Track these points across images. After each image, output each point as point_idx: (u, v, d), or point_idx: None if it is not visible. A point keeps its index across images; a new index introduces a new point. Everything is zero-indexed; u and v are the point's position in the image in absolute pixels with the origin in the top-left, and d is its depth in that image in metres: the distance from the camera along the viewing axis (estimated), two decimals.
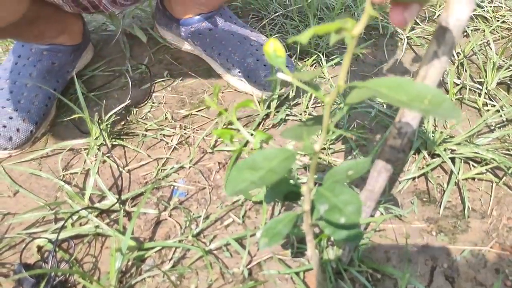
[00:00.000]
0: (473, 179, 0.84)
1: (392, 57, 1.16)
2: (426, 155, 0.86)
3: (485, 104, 1.03)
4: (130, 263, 0.69)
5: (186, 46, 1.12)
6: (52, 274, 0.64)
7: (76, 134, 0.91)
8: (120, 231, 0.71)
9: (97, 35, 1.19)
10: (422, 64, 0.44)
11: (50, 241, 0.71)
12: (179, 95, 1.01)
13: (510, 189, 0.83)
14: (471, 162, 0.86)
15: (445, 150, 0.86)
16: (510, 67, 1.09)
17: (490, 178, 0.84)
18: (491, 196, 0.82)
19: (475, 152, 0.84)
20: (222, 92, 1.02)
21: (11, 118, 0.87)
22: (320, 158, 0.85)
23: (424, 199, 0.81)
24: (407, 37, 1.21)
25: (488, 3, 1.36)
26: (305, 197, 0.46)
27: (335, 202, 0.39)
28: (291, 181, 0.47)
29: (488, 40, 1.20)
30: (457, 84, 1.07)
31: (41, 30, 0.89)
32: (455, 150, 0.86)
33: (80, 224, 0.74)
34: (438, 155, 0.86)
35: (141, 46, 1.14)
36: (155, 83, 1.03)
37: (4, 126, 0.85)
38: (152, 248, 0.70)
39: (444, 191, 0.82)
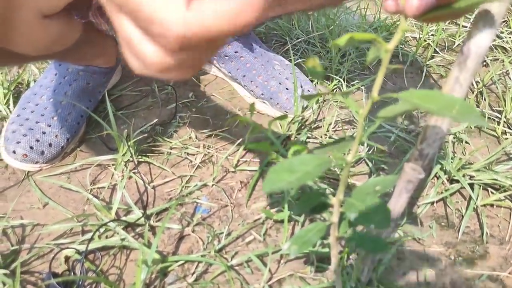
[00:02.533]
0: (492, 205, 0.85)
1: (411, 85, 1.18)
2: (445, 180, 0.88)
3: (504, 133, 1.04)
4: (154, 275, 0.71)
5: (212, 69, 1.16)
6: (80, 282, 0.67)
7: (103, 150, 0.94)
8: (145, 244, 0.74)
9: None
10: (443, 89, 0.46)
11: (77, 251, 0.73)
12: (203, 115, 1.04)
13: None
14: (489, 189, 0.87)
15: (464, 176, 0.87)
16: None
17: (509, 205, 0.85)
18: (509, 222, 0.83)
19: (494, 179, 0.85)
20: (245, 114, 1.05)
21: (44, 133, 0.90)
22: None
23: (443, 224, 0.82)
24: (427, 65, 1.24)
25: (508, 34, 1.38)
26: (334, 209, 0.48)
27: (365, 211, 0.41)
28: (321, 192, 0.49)
29: (508, 70, 1.22)
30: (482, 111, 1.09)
31: (83, 54, 0.94)
32: (474, 176, 0.87)
33: (107, 237, 0.76)
34: (457, 181, 0.88)
35: None
36: (180, 103, 1.07)
37: (37, 141, 0.89)
38: (176, 261, 0.72)
39: (463, 216, 0.83)
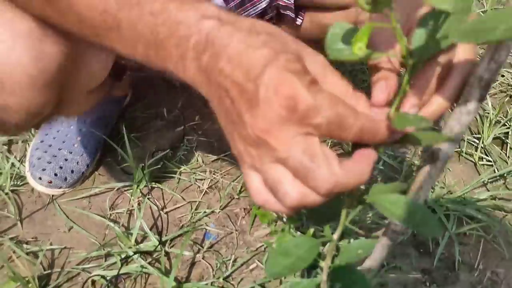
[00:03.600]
0: (465, 234, 0.97)
1: None
2: None
3: (481, 159, 1.15)
4: None
5: None
6: None
7: (119, 173, 1.04)
8: (162, 271, 0.85)
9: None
10: (415, 181, 0.57)
11: (103, 277, 0.84)
12: (209, 139, 1.14)
13: (496, 245, 0.95)
14: (464, 218, 0.99)
15: (441, 206, 0.98)
16: (506, 123, 1.22)
17: (480, 234, 0.96)
18: (479, 250, 0.94)
19: (467, 212, 0.96)
20: None
21: (66, 160, 1.00)
22: None
23: (421, 250, 0.94)
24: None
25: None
26: (324, 270, 0.58)
27: (348, 283, 0.52)
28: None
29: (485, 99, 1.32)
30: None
31: (103, 85, 1.02)
32: (449, 207, 0.98)
33: (127, 263, 0.87)
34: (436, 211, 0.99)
35: (174, 88, 1.26)
36: (188, 126, 1.16)
37: (61, 167, 0.99)
38: (190, 287, 0.84)
39: (439, 244, 0.94)
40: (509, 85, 1.37)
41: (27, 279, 0.82)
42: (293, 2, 0.82)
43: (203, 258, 0.89)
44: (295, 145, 0.35)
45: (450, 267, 0.91)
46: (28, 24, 0.50)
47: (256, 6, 0.86)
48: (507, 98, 1.34)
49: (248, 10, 0.87)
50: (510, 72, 1.41)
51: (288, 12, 0.85)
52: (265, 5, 0.83)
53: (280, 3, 0.84)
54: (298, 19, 0.87)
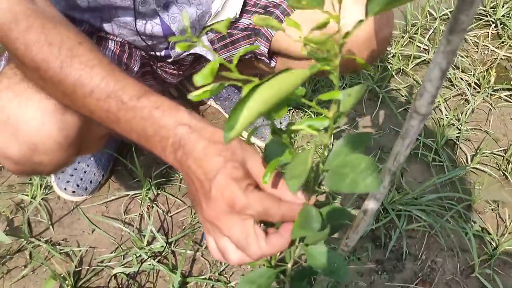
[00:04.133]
0: (413, 229, 1.20)
1: (369, 111, 1.48)
2: (381, 211, 1.21)
3: (434, 159, 1.36)
4: None
5: (210, 101, 1.44)
6: None
7: (130, 179, 1.25)
8: (169, 267, 1.07)
9: None
10: (352, 224, 0.78)
11: (123, 272, 1.07)
12: None
13: (438, 238, 1.18)
14: (414, 216, 1.21)
15: (394, 208, 1.21)
16: (459, 127, 1.42)
17: (425, 229, 1.19)
18: (423, 243, 1.18)
19: (416, 213, 1.19)
20: None
21: (85, 172, 1.20)
22: None
23: (377, 244, 1.17)
24: (383, 92, 1.53)
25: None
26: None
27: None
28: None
29: (439, 104, 1.52)
30: (417, 139, 1.40)
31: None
32: (401, 208, 1.21)
33: (141, 261, 1.09)
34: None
35: (176, 99, 1.45)
36: None
37: (81, 179, 1.19)
38: (192, 280, 1.07)
39: (391, 239, 1.17)
40: (464, 92, 1.57)
41: (62, 275, 1.05)
42: (267, 52, 1.00)
43: (201, 256, 1.12)
44: (235, 227, 0.53)
45: (398, 258, 1.15)
46: (53, 103, 0.70)
47: (237, 49, 1.05)
48: (462, 101, 1.54)
49: (231, 51, 1.06)
50: (466, 77, 1.60)
51: (263, 58, 1.03)
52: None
53: (256, 51, 1.02)
54: (272, 61, 1.05)
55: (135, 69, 0.96)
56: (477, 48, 1.73)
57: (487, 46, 1.74)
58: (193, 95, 0.44)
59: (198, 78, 0.41)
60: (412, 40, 1.76)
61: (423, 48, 1.74)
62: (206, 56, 1.01)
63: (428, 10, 1.87)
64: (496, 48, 1.73)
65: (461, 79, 1.60)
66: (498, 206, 1.27)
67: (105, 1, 0.83)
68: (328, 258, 0.61)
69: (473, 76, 1.61)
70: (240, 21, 1.00)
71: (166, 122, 0.55)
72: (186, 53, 1.01)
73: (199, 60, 1.09)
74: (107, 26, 0.91)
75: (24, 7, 0.64)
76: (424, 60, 1.67)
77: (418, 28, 1.77)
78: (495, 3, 1.87)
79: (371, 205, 0.60)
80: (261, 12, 0.97)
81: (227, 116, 1.42)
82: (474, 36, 1.78)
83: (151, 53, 1.00)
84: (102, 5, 0.84)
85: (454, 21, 0.31)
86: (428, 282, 1.11)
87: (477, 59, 1.69)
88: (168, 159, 0.56)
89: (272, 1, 0.97)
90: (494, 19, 1.82)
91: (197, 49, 0.99)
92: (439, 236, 1.18)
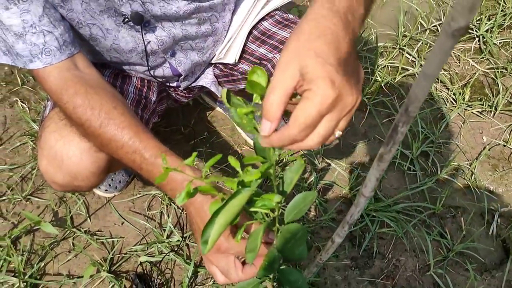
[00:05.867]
0: (384, 232, 1.46)
1: (357, 121, 1.71)
2: (360, 217, 1.47)
3: (409, 169, 1.61)
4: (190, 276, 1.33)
5: (217, 108, 1.67)
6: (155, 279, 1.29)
7: None
8: (184, 258, 1.34)
9: None
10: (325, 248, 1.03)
11: (147, 261, 1.34)
12: (214, 150, 1.58)
13: (403, 240, 1.45)
14: (386, 221, 1.47)
15: (369, 214, 1.46)
16: (433, 140, 1.66)
17: (394, 233, 1.45)
18: (391, 244, 1.44)
19: (386, 218, 1.45)
20: (241, 149, 1.60)
21: (115, 173, 1.45)
22: None
23: (354, 243, 1.44)
24: (371, 104, 1.75)
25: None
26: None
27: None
28: None
29: (417, 117, 1.74)
30: (397, 149, 1.64)
31: None
32: (375, 214, 1.46)
33: (162, 252, 1.36)
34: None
35: (188, 106, 1.68)
36: (198, 139, 1.60)
37: (112, 179, 1.44)
38: (203, 270, 1.34)
39: (365, 240, 1.44)
40: (440, 107, 1.79)
41: (99, 262, 1.32)
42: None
43: None
44: (221, 262, 0.76)
45: (370, 256, 1.42)
46: (89, 143, 0.93)
47: (238, 84, 1.24)
48: (439, 114, 1.76)
49: (233, 85, 1.25)
50: (444, 93, 1.82)
51: None
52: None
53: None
54: None
55: (153, 99, 1.18)
56: (459, 62, 1.94)
57: (468, 60, 1.94)
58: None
59: (177, 200, 0.61)
60: (401, 52, 1.96)
61: (411, 60, 1.94)
62: (210, 88, 1.22)
63: (419, 22, 2.05)
64: (476, 63, 1.93)
65: (441, 91, 1.82)
66: (458, 213, 1.53)
67: (123, 59, 1.05)
68: (295, 278, 0.83)
69: (450, 91, 1.82)
70: (239, 65, 1.20)
71: (176, 177, 0.78)
72: (193, 84, 1.23)
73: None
74: (128, 70, 1.13)
75: (71, 74, 0.87)
76: (411, 73, 1.88)
77: (409, 39, 1.97)
78: (480, 17, 2.05)
79: (337, 239, 0.84)
80: (256, 62, 1.16)
81: (233, 122, 1.64)
82: (458, 49, 1.98)
83: (166, 84, 1.22)
84: (122, 60, 1.05)
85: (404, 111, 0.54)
86: (391, 277, 1.38)
87: (457, 73, 1.90)
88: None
89: (265, 55, 1.15)
90: (477, 34, 2.01)
91: (202, 82, 1.22)
92: (404, 238, 1.45)
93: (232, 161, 0.62)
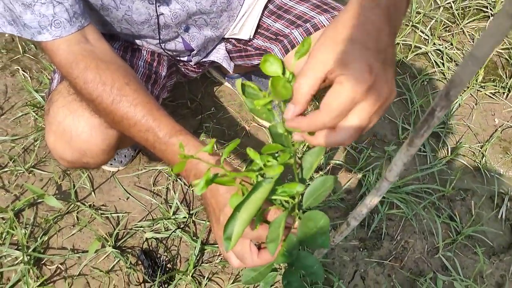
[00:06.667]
0: (393, 214, 1.44)
1: None
2: None
3: (419, 150, 1.58)
4: (196, 253, 1.31)
5: (226, 83, 1.62)
6: (161, 257, 1.27)
7: None
8: (190, 236, 1.32)
9: None
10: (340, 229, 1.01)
11: (152, 237, 1.31)
12: (221, 126, 1.55)
13: (412, 222, 1.43)
14: (395, 202, 1.45)
15: None
16: (443, 122, 1.63)
17: (403, 214, 1.43)
18: (400, 225, 1.42)
19: (396, 200, 1.42)
20: (249, 125, 1.56)
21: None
22: None
23: (362, 224, 1.41)
24: None
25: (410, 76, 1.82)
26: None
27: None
28: None
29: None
30: (407, 129, 1.61)
31: None
32: (385, 196, 1.44)
33: (168, 229, 1.34)
34: None
35: (195, 80, 1.63)
36: (205, 114, 1.56)
37: (117, 153, 1.41)
38: (209, 248, 1.32)
39: (374, 220, 1.42)
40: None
41: (104, 237, 1.29)
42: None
43: None
44: (236, 246, 0.72)
45: (378, 237, 1.40)
46: (99, 119, 0.89)
47: (251, 60, 1.20)
48: None
49: (245, 61, 1.22)
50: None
51: None
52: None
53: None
54: None
55: (163, 74, 1.14)
56: (473, 42, 1.89)
57: None
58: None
59: (196, 189, 0.54)
60: (414, 29, 1.91)
61: (423, 38, 1.90)
62: (222, 64, 1.18)
63: None
64: None
65: (454, 71, 1.78)
66: (467, 195, 1.51)
67: (133, 31, 1.00)
68: (311, 263, 0.80)
69: None
70: (253, 41, 1.15)
71: (191, 161, 0.73)
72: (204, 59, 1.18)
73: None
74: (138, 42, 1.08)
75: (81, 47, 0.82)
76: (424, 51, 1.84)
77: (422, 16, 1.91)
78: None
79: (353, 222, 0.81)
80: (272, 37, 1.12)
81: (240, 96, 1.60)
82: (472, 28, 1.93)
83: (176, 58, 1.18)
84: (132, 31, 1.01)
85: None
86: (400, 259, 1.37)
87: None
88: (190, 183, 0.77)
89: (281, 30, 1.11)
90: (492, 13, 1.95)
91: (213, 58, 1.17)
92: (413, 220, 1.43)
93: (251, 153, 0.58)
